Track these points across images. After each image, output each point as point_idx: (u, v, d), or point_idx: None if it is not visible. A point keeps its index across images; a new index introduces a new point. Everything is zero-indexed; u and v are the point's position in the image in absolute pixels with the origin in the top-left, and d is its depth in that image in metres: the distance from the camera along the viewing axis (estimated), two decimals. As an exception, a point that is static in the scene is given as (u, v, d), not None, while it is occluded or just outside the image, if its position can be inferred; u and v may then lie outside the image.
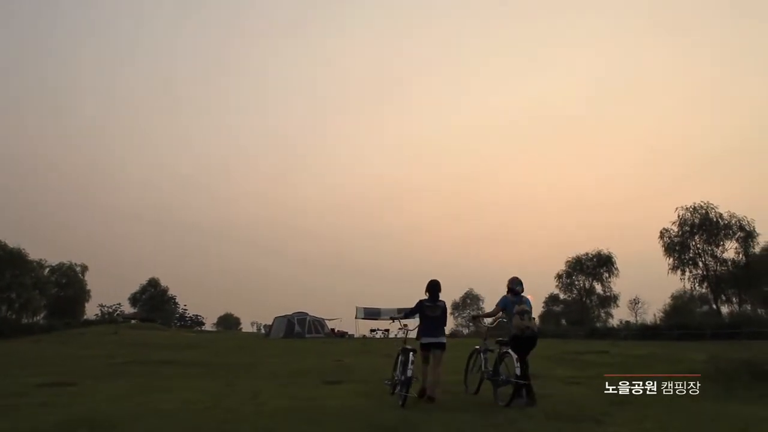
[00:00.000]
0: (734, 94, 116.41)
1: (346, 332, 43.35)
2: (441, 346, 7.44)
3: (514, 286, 7.62)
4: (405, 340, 7.73)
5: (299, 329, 38.08)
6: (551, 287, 57.36)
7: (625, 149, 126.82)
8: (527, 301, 7.55)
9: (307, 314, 40.01)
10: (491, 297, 75.85)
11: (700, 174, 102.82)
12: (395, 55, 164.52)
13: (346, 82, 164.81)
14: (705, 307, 49.54)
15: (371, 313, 44.63)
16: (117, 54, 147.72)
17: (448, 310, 7.95)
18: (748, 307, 39.40)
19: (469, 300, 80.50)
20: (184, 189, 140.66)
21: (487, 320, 8.06)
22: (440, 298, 7.67)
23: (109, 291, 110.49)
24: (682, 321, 31.66)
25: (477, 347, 8.02)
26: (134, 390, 8.61)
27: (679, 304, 53.07)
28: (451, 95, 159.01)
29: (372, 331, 43.50)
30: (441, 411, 6.53)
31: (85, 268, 63.55)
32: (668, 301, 55.78)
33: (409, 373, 7.04)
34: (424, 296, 7.67)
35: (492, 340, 7.70)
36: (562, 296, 58.85)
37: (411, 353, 7.23)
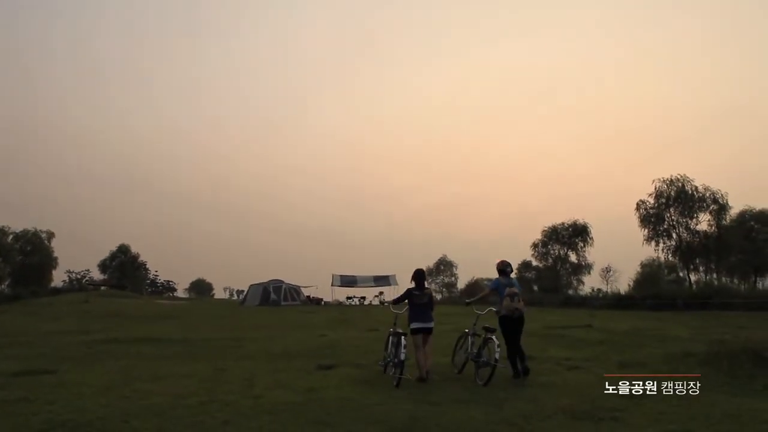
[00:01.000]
0: (711, 69, 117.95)
1: (322, 299, 43.62)
2: (429, 330, 7.96)
3: (504, 268, 8.17)
4: (395, 323, 8.17)
5: (275, 297, 38.00)
6: (526, 255, 58.18)
7: (603, 122, 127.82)
8: (516, 284, 8.07)
9: (282, 282, 39.95)
10: (464, 265, 76.93)
11: (676, 147, 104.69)
12: (368, 22, 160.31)
13: (319, 48, 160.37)
14: (672, 275, 51.21)
15: (348, 281, 44.90)
16: (85, 16, 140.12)
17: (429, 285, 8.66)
18: (715, 276, 40.82)
19: (443, 267, 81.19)
20: (153, 154, 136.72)
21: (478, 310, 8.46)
22: (426, 286, 8.24)
23: (76, 258, 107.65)
24: (654, 291, 32.46)
25: (466, 330, 8.52)
26: (118, 379, 8.16)
27: (648, 272, 54.64)
28: (425, 64, 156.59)
29: (348, 298, 43.81)
30: (450, 404, 6.34)
31: (51, 235, 61.49)
32: (638, 269, 57.48)
33: (402, 356, 7.44)
34: (410, 285, 8.20)
35: (480, 325, 8.13)
36: (534, 263, 59.76)
37: (402, 336, 7.68)
